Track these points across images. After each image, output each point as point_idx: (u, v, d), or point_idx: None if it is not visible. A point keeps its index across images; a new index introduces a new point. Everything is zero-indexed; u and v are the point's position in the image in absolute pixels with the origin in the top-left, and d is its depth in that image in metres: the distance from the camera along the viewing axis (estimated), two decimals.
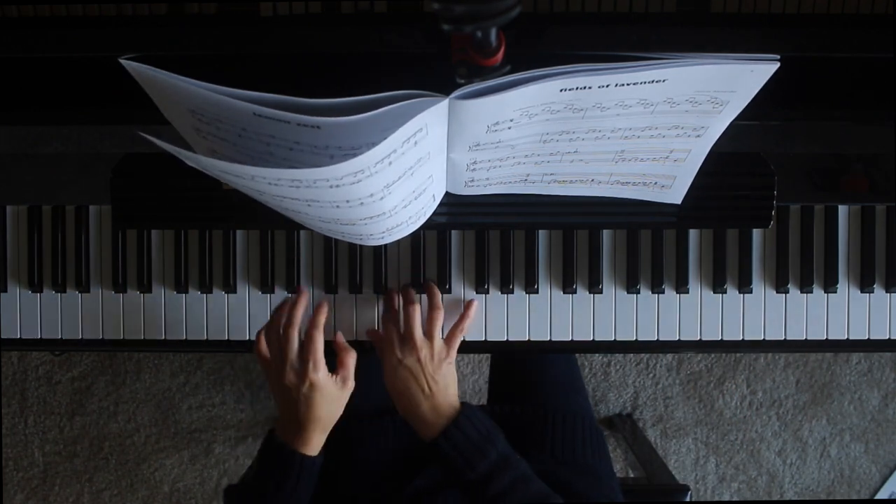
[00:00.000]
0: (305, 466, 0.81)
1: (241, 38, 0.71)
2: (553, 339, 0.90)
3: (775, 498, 1.70)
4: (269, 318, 0.86)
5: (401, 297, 0.88)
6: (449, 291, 0.90)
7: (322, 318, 0.83)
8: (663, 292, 0.89)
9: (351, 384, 0.83)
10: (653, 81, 0.62)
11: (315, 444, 0.82)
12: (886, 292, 0.89)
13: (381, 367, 0.87)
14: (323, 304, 0.86)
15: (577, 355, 1.26)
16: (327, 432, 0.83)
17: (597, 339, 0.90)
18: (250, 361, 1.69)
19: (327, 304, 0.86)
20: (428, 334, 0.84)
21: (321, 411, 0.81)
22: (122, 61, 0.60)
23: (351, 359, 0.83)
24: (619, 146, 0.72)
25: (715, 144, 0.73)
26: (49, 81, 0.77)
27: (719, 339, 0.89)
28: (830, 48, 0.70)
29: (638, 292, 0.89)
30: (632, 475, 1.50)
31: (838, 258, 0.89)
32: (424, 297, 0.89)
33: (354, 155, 0.57)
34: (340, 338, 0.86)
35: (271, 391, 0.85)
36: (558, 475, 0.91)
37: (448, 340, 0.85)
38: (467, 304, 0.88)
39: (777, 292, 0.89)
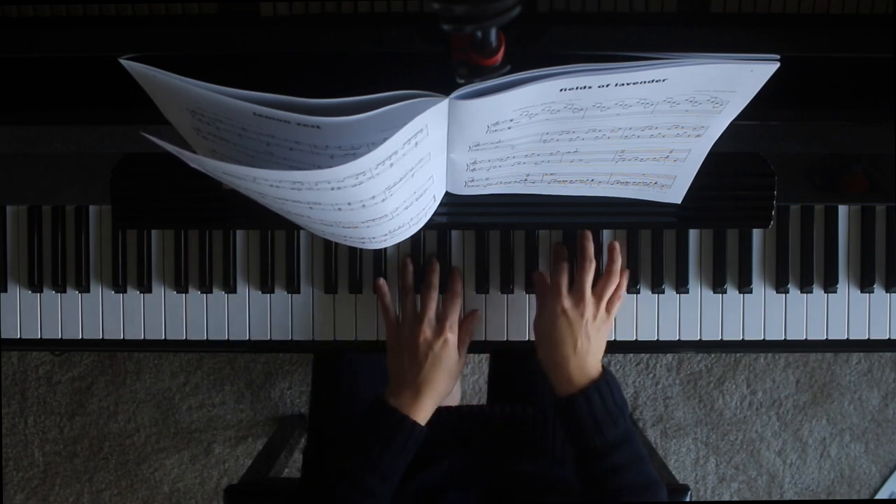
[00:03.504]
0: (415, 433, 0.81)
1: (241, 38, 0.71)
2: None
3: (775, 498, 1.70)
4: (269, 316, 0.86)
5: (579, 250, 0.86)
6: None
7: (459, 287, 0.87)
8: (663, 292, 0.89)
9: (463, 361, 0.86)
10: (653, 81, 0.62)
11: (426, 412, 0.83)
12: (886, 292, 0.89)
13: (382, 366, 0.87)
14: (457, 272, 0.88)
15: None
16: (437, 405, 0.84)
17: None
18: (250, 361, 1.69)
19: (460, 275, 0.88)
20: (597, 295, 0.84)
21: (441, 376, 0.82)
22: (122, 61, 0.60)
23: (469, 337, 0.87)
24: (619, 146, 0.72)
25: (715, 144, 0.73)
26: (49, 81, 0.77)
27: (719, 339, 0.89)
28: (830, 48, 0.70)
29: (638, 292, 0.90)
30: None
31: (838, 258, 0.89)
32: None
33: (355, 155, 0.57)
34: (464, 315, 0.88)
35: (392, 355, 0.86)
36: (559, 475, 0.91)
37: (608, 308, 0.85)
38: (622, 273, 0.87)
39: (777, 292, 0.89)
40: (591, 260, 0.85)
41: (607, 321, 0.84)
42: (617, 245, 0.87)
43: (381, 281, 0.88)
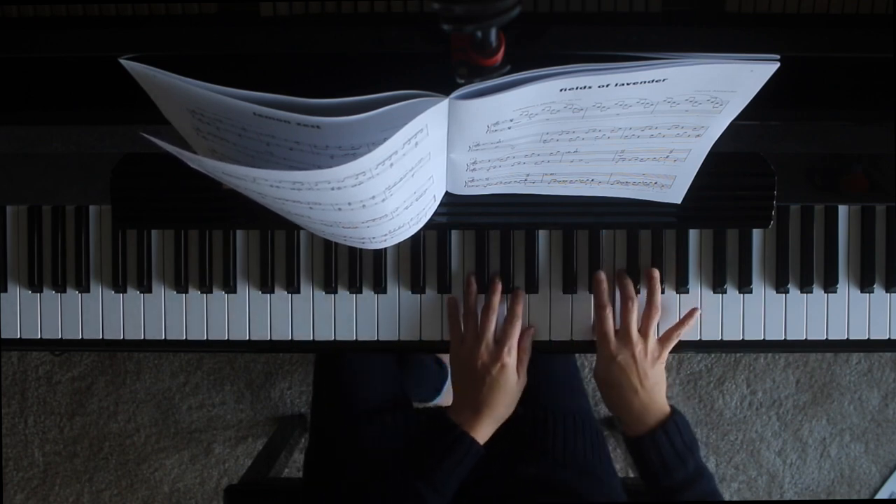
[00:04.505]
0: (472, 451, 0.81)
1: (241, 38, 0.71)
2: (553, 340, 0.90)
3: (775, 498, 1.70)
4: (269, 316, 0.86)
5: (618, 289, 0.87)
6: (449, 291, 0.90)
7: (520, 310, 0.86)
8: (663, 292, 0.89)
9: (524, 381, 0.85)
10: (653, 81, 0.62)
11: (484, 433, 0.83)
12: (886, 292, 0.89)
13: (380, 367, 0.87)
14: (520, 295, 0.87)
15: (577, 355, 1.26)
16: (497, 425, 0.84)
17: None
18: (250, 361, 1.69)
19: (523, 297, 0.87)
20: (643, 332, 0.84)
21: (500, 398, 0.83)
22: (122, 61, 0.60)
23: (527, 356, 0.86)
24: (619, 146, 0.72)
25: (715, 144, 0.73)
26: (49, 81, 0.77)
27: (719, 339, 0.89)
28: (830, 48, 0.70)
29: (638, 292, 0.89)
30: (632, 475, 1.49)
31: (838, 258, 0.89)
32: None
33: (355, 155, 0.57)
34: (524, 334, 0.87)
35: (455, 373, 0.87)
36: (559, 476, 0.91)
37: (662, 341, 0.85)
38: (690, 312, 0.87)
39: (777, 292, 0.89)
40: (632, 298, 0.85)
41: (661, 355, 0.84)
42: (655, 273, 0.87)
43: (454, 300, 0.88)
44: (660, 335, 0.86)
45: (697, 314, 0.88)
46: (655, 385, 0.83)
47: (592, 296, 0.88)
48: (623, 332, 0.84)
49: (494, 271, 0.89)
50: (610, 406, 0.85)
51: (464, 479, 0.82)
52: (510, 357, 0.84)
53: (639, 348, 0.83)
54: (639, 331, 0.84)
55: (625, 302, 0.85)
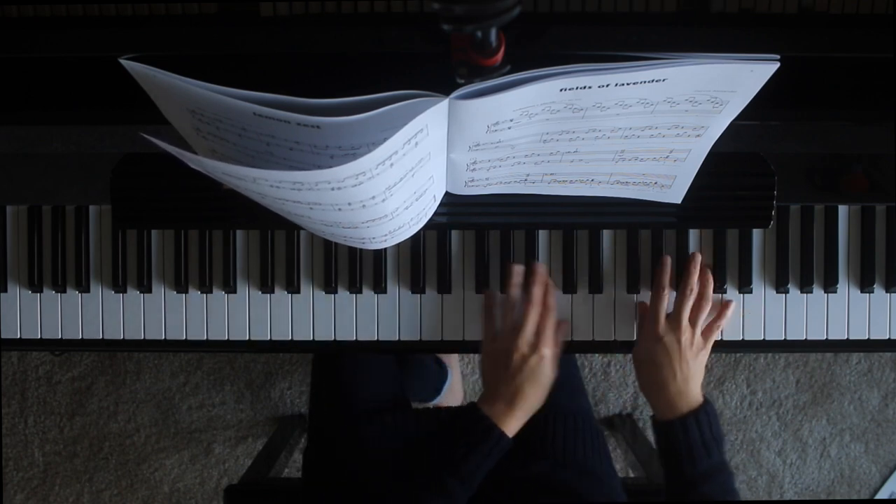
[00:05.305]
0: (501, 444, 0.82)
1: (241, 38, 0.71)
2: None
3: (775, 498, 1.70)
4: (269, 316, 0.86)
5: (686, 277, 0.87)
6: (449, 291, 0.90)
7: (554, 301, 0.86)
8: None
9: (556, 374, 0.86)
10: (652, 81, 0.62)
11: (514, 426, 0.84)
12: (886, 292, 0.89)
13: (380, 367, 0.87)
14: (551, 286, 0.87)
15: (576, 355, 1.26)
16: (526, 419, 0.85)
17: (596, 338, 0.90)
18: (250, 361, 1.69)
19: (554, 287, 0.88)
20: (692, 321, 0.85)
21: (536, 391, 0.84)
22: (122, 61, 0.60)
23: (559, 348, 0.87)
24: (619, 146, 0.72)
25: (715, 144, 0.73)
26: (49, 81, 0.77)
27: (719, 338, 0.89)
28: (830, 48, 0.70)
29: (638, 292, 0.89)
30: (632, 475, 1.49)
31: (838, 258, 0.89)
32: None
33: (355, 155, 0.57)
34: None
35: (488, 365, 0.87)
36: (559, 476, 0.91)
37: (705, 334, 0.86)
38: (725, 304, 0.88)
39: (777, 292, 0.89)
40: (693, 288, 0.85)
41: (704, 348, 0.85)
42: (708, 272, 0.87)
43: (492, 293, 0.88)
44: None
45: (734, 305, 0.88)
46: (693, 375, 0.83)
47: (653, 276, 0.88)
48: (674, 317, 0.85)
49: (521, 262, 0.89)
50: (644, 387, 0.86)
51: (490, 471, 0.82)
52: (548, 348, 0.84)
53: (686, 335, 0.84)
54: (689, 320, 0.85)
55: (684, 289, 0.86)
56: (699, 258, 0.87)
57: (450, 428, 0.85)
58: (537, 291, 0.86)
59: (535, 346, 0.84)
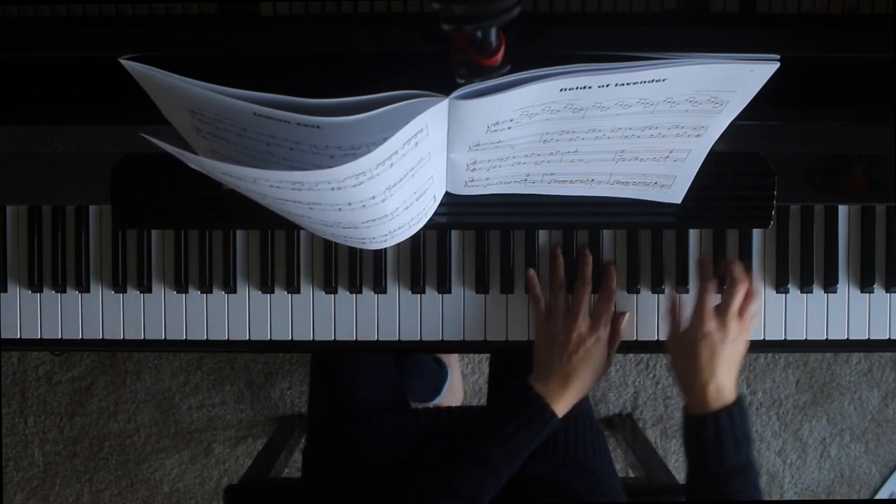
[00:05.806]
0: (550, 424, 0.83)
1: (241, 38, 0.71)
2: None
3: (775, 498, 1.70)
4: (269, 316, 0.86)
5: (731, 275, 0.85)
6: (449, 291, 0.90)
7: (614, 285, 0.88)
8: (663, 292, 0.89)
9: (610, 363, 0.87)
10: (652, 81, 0.62)
11: (566, 404, 0.84)
12: (886, 292, 0.89)
13: (380, 367, 0.87)
14: (612, 269, 0.88)
15: None
16: (577, 400, 0.86)
17: None
18: (250, 361, 1.69)
19: (615, 270, 0.88)
20: (741, 314, 0.84)
21: (590, 372, 0.85)
22: (122, 61, 0.60)
23: (618, 337, 0.88)
24: (619, 146, 0.72)
25: (715, 144, 0.73)
26: (49, 81, 0.77)
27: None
28: (830, 48, 0.70)
29: (638, 292, 0.89)
30: (632, 475, 1.49)
31: (838, 258, 0.89)
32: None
33: (355, 155, 0.57)
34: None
35: (541, 344, 0.87)
36: (559, 476, 0.91)
37: (745, 330, 0.84)
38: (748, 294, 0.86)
39: (777, 292, 0.89)
40: (743, 281, 0.84)
41: (743, 335, 0.84)
42: (736, 260, 0.86)
43: (532, 272, 0.89)
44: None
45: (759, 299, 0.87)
46: (734, 368, 0.83)
47: (698, 271, 0.88)
48: (722, 311, 0.83)
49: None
50: (680, 377, 0.84)
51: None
52: (605, 330, 0.86)
53: (732, 331, 0.82)
54: (738, 314, 0.83)
55: (733, 283, 0.84)
56: (735, 260, 0.86)
57: (503, 403, 0.85)
58: (588, 272, 0.87)
59: (593, 327, 0.85)
